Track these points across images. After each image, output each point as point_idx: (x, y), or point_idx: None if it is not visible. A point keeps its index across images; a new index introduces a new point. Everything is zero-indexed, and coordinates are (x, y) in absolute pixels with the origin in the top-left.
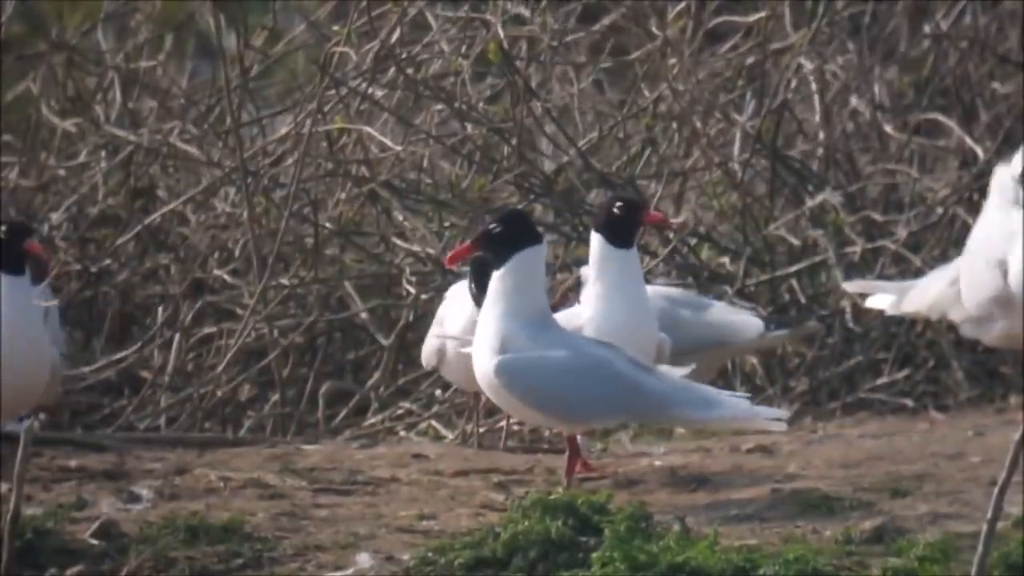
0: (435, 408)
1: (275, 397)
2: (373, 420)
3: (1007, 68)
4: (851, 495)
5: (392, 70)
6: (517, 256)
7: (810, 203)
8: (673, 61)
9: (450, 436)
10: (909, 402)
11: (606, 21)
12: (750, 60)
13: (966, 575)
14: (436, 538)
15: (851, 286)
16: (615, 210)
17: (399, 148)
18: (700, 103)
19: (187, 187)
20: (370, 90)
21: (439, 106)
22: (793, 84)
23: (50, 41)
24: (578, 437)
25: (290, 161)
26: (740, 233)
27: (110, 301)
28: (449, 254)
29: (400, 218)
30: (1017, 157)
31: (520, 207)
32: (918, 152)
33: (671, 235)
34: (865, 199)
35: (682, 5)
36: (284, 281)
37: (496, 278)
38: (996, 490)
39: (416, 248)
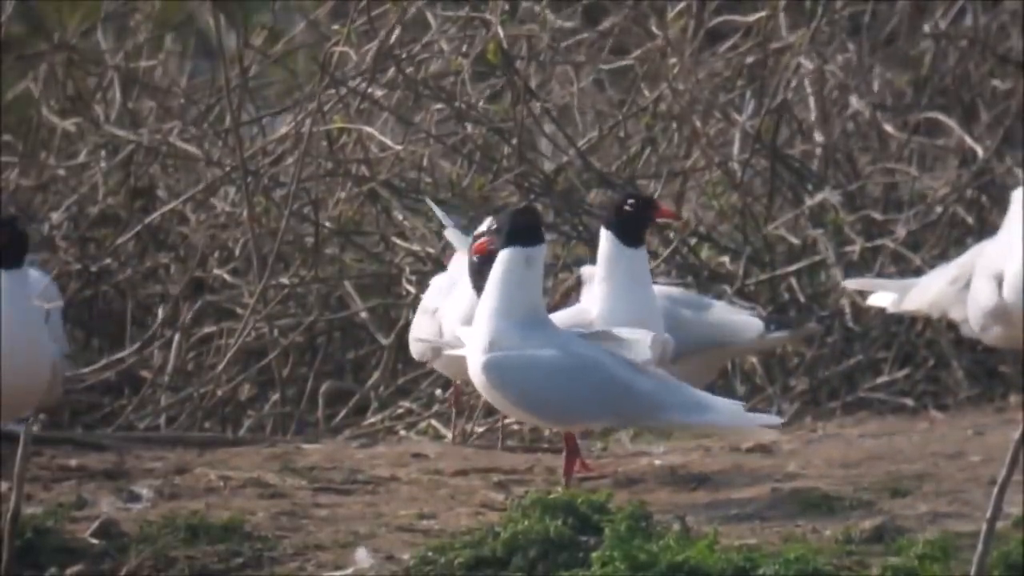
0: (435, 407)
1: (275, 396)
2: (373, 419)
3: (1007, 67)
4: (851, 494)
5: (392, 70)
6: (515, 253)
7: (810, 202)
8: (673, 61)
9: (450, 435)
10: (909, 401)
11: (608, 23)
12: (750, 60)
13: (966, 574)
14: (436, 537)
15: (852, 284)
16: (627, 207)
17: (399, 147)
18: (700, 103)
19: (187, 186)
20: (370, 90)
21: (439, 106)
22: (793, 84)
23: (50, 41)
24: (577, 437)
25: (290, 160)
26: (740, 233)
27: (110, 301)
28: (474, 245)
29: (400, 217)
30: None
31: (533, 205)
32: (918, 151)
33: (672, 235)
34: (865, 198)
35: (682, 5)
36: (284, 280)
37: (492, 274)
38: (996, 489)
39: (416, 247)
